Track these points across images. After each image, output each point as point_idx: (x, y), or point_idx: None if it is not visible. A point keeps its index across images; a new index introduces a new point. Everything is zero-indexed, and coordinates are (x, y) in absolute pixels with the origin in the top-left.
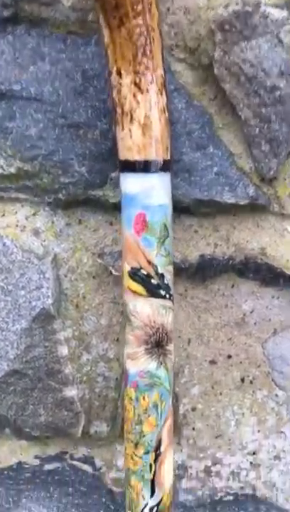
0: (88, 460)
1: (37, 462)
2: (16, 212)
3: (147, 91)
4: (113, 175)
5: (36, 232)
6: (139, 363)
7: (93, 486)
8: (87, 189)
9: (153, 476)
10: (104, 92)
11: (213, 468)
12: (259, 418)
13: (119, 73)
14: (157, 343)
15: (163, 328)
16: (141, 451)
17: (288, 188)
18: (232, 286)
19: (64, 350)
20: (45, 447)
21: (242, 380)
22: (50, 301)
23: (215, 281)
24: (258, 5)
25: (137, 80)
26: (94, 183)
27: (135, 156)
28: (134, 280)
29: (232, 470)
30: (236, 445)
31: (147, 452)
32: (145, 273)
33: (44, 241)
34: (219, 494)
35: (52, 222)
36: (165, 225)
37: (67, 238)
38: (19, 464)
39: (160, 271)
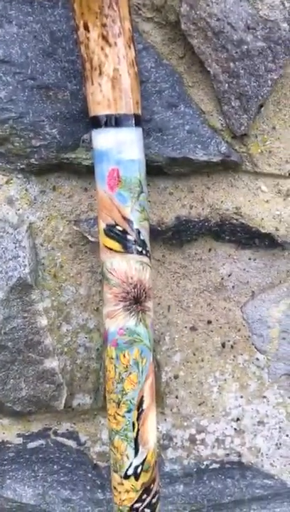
0: (72, 435)
1: (20, 441)
2: None
3: (115, 44)
4: (85, 137)
5: (10, 201)
6: (118, 321)
7: (78, 461)
8: (60, 152)
9: (137, 434)
10: (73, 53)
11: (198, 437)
12: (241, 383)
13: (86, 27)
14: (135, 300)
15: (141, 285)
16: (123, 409)
17: (260, 145)
18: (209, 250)
19: (43, 321)
20: (28, 424)
21: (223, 345)
22: (26, 270)
23: (192, 245)
24: None
25: (104, 33)
26: (66, 145)
27: (106, 111)
28: (110, 237)
29: (216, 437)
30: (219, 412)
31: (129, 410)
32: (120, 229)
33: (18, 210)
34: (205, 462)
35: (26, 190)
36: (139, 181)
37: (41, 206)
38: (2, 443)
39: (135, 226)
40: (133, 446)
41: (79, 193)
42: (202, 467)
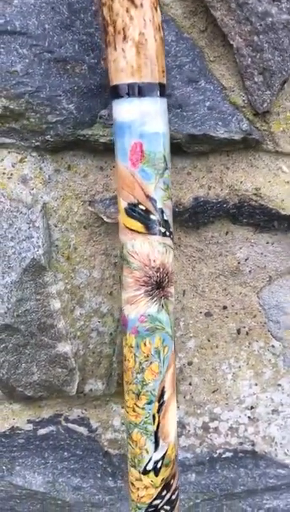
0: (83, 422)
1: (30, 427)
2: (2, 160)
3: (141, 5)
4: (102, 112)
5: (24, 180)
6: (139, 307)
7: (89, 448)
8: (76, 128)
9: (157, 427)
10: (92, 26)
11: (211, 425)
12: (256, 371)
13: None
14: (158, 285)
15: (163, 268)
16: (143, 401)
17: (282, 123)
18: (226, 234)
19: (56, 304)
20: (39, 410)
21: (238, 331)
22: (40, 251)
23: (209, 228)
24: None
25: None
26: (83, 121)
27: (129, 79)
28: (132, 217)
29: (230, 425)
30: (233, 399)
31: (150, 402)
32: (143, 208)
33: (32, 189)
34: (218, 451)
35: (41, 169)
36: (163, 156)
37: (56, 185)
38: (12, 429)
39: (159, 206)
40: (154, 440)
41: (94, 173)
42: (215, 456)
